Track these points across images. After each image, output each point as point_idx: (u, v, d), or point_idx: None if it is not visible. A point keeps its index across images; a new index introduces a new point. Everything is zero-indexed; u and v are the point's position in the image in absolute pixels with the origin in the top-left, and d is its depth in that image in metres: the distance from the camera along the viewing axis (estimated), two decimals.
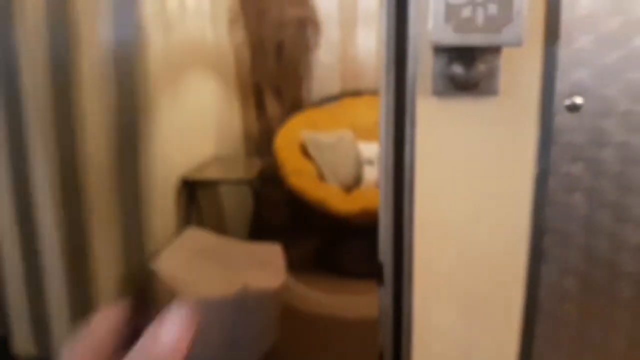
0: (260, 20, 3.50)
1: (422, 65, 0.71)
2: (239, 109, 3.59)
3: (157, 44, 2.41)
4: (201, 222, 2.87)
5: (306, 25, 3.65)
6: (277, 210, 3.67)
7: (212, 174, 2.82)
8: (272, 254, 2.43)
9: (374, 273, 3.16)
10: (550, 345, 0.71)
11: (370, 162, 3.30)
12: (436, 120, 0.75)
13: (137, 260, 2.25)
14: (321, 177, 3.26)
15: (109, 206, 2.05)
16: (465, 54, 0.69)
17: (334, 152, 3.29)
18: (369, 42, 3.67)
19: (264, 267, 2.32)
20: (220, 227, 3.29)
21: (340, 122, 3.61)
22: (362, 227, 3.17)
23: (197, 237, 2.48)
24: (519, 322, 0.73)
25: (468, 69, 0.70)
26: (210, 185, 2.91)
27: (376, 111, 3.55)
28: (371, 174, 3.28)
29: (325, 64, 3.72)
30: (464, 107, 0.74)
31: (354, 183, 3.29)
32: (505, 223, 0.76)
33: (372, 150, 3.35)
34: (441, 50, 0.70)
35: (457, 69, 0.70)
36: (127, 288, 2.21)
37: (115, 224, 2.08)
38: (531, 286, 0.75)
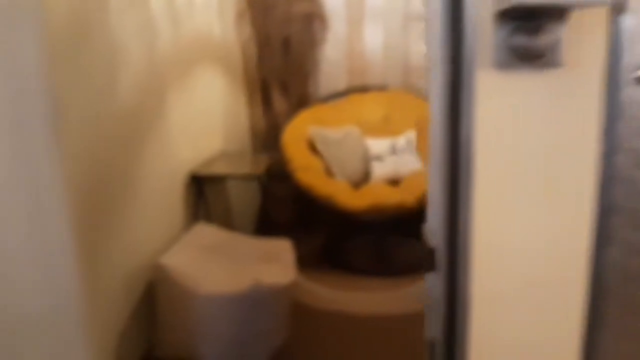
0: (266, 15, 3.46)
1: (482, 36, 0.66)
2: (246, 105, 3.55)
3: (166, 38, 2.37)
4: (209, 217, 2.83)
5: (313, 21, 3.61)
6: (283, 205, 3.62)
7: (219, 169, 2.77)
8: (281, 249, 2.39)
9: (381, 269, 3.12)
10: (616, 332, 0.67)
11: (378, 158, 3.26)
12: (496, 94, 0.70)
13: (146, 255, 2.21)
14: (329, 173, 3.22)
15: (117, 200, 2.00)
16: (529, 23, 0.65)
17: (341, 148, 3.25)
18: (376, 38, 3.64)
19: (273, 262, 2.28)
20: (227, 222, 3.24)
21: (346, 118, 3.57)
22: (370, 223, 3.13)
23: (206, 232, 2.43)
24: (583, 307, 0.70)
25: (532, 39, 0.65)
26: (217, 180, 2.87)
27: (383, 107, 3.49)
28: (380, 170, 3.24)
29: (332, 60, 3.68)
30: (526, 80, 0.70)
31: (362, 179, 3.25)
32: (569, 202, 0.72)
33: (379, 146, 3.31)
34: (503, 20, 0.66)
35: (521, 40, 0.66)
36: (136, 283, 2.16)
37: (123, 219, 2.03)
38: (597, 269, 0.71)
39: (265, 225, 3.64)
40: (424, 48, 3.25)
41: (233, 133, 3.31)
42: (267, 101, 3.60)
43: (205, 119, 2.90)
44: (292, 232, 3.57)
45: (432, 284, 0.62)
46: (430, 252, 0.64)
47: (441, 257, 0.60)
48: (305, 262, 3.26)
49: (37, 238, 1.25)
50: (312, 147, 3.31)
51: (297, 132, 3.37)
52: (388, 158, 3.25)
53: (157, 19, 2.32)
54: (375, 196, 2.92)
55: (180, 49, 2.54)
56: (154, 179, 2.30)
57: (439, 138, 0.63)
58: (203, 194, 2.76)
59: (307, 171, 3.08)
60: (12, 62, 0.97)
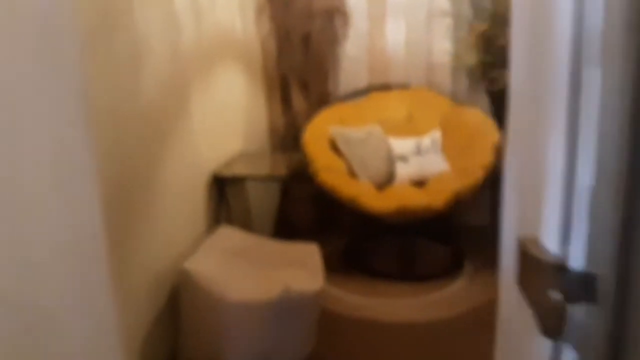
0: (287, 10, 3.37)
1: None
2: (265, 103, 3.46)
3: (189, 34, 2.28)
4: (230, 219, 2.74)
5: (334, 17, 3.52)
6: (304, 206, 3.54)
7: (241, 169, 2.68)
8: (308, 253, 2.30)
9: (406, 274, 3.03)
10: None
11: (402, 159, 3.16)
12: None
13: (170, 258, 2.12)
14: (351, 173, 3.12)
15: (140, 202, 1.92)
16: None
17: (364, 148, 3.16)
18: (398, 34, 3.54)
19: (301, 267, 2.19)
20: (247, 223, 3.16)
21: (368, 117, 3.48)
22: (394, 226, 3.03)
23: (230, 235, 2.35)
24: None
25: None
26: (239, 181, 2.78)
27: (406, 106, 3.39)
28: (404, 170, 3.14)
29: (353, 57, 3.58)
30: None
31: (386, 180, 3.16)
32: None
33: (403, 146, 3.22)
34: None
35: None
36: (161, 287, 2.08)
37: (147, 221, 1.95)
38: None
39: (285, 226, 3.56)
40: (447, 45, 3.13)
41: (252, 132, 3.23)
42: (286, 99, 3.51)
43: (227, 118, 2.82)
44: (312, 233, 3.49)
45: (588, 318, 0.52)
46: (587, 278, 0.53)
47: (607, 287, 0.50)
48: (327, 265, 3.17)
49: (69, 237, 1.17)
50: (334, 147, 3.22)
51: (318, 131, 3.28)
52: (413, 158, 3.15)
53: (180, 14, 2.24)
54: (401, 198, 2.82)
55: (203, 45, 2.46)
56: (178, 179, 2.22)
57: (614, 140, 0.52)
58: (224, 195, 2.68)
59: (329, 172, 2.98)
60: (54, 66, 0.89)
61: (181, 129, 2.26)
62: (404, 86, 3.60)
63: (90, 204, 1.18)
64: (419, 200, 2.80)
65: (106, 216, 1.71)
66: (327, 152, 3.16)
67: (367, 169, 3.11)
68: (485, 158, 3.00)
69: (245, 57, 3.06)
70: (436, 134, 3.26)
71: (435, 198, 2.80)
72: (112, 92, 1.74)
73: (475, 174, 2.94)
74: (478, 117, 3.25)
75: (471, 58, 3.04)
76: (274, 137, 3.51)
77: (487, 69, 3.18)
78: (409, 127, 3.47)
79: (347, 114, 3.47)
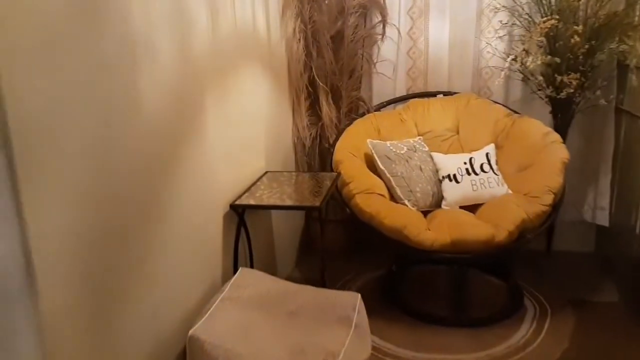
0: (316, 5, 2.91)
1: None
2: (290, 113, 3.00)
3: (202, 33, 1.84)
4: (250, 252, 2.29)
5: (370, 12, 3.06)
6: (333, 229, 3.07)
7: (263, 197, 2.20)
8: (349, 306, 1.83)
9: (459, 318, 2.50)
10: None
11: (451, 179, 2.68)
12: None
13: (178, 316, 1.67)
14: (391, 195, 2.65)
15: (139, 248, 1.48)
16: None
17: (407, 166, 2.69)
18: (442, 33, 3.06)
19: (342, 326, 1.71)
20: (269, 255, 2.70)
21: (408, 130, 3.01)
22: (446, 259, 2.53)
23: (251, 281, 1.89)
24: None
25: None
26: (261, 210, 2.32)
27: (452, 116, 2.90)
28: (453, 193, 2.67)
29: (390, 59, 3.12)
30: None
31: (432, 204, 2.68)
32: None
33: (452, 163, 2.74)
34: None
35: None
36: (164, 357, 1.62)
37: (151, 271, 1.51)
38: None
39: (311, 252, 3.10)
40: (500, 45, 2.64)
41: (276, 148, 2.77)
42: (314, 108, 3.05)
43: (248, 132, 2.37)
44: (342, 261, 3.02)
45: None
46: None
47: None
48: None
49: None
50: (370, 164, 2.75)
51: (352, 146, 2.82)
52: (463, 178, 2.67)
53: (192, 8, 1.79)
54: (456, 229, 2.34)
55: (220, 45, 2.01)
56: (188, 216, 1.77)
57: None
58: (244, 226, 2.22)
59: (368, 196, 2.51)
60: None
61: (193, 150, 1.81)
62: (448, 93, 3.12)
63: None
64: (479, 232, 2.32)
65: (89, 278, 1.27)
66: (363, 170, 2.70)
67: (411, 191, 2.63)
68: (553, 179, 2.51)
69: (268, 60, 2.61)
70: (490, 149, 2.77)
71: (499, 229, 2.32)
72: (94, 109, 1.30)
73: (543, 199, 2.45)
74: (540, 129, 2.76)
75: (534, 60, 2.55)
76: (300, 152, 3.05)
77: (553, 72, 2.69)
78: (456, 141, 2.99)
79: (383, 125, 3.00)
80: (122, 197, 1.41)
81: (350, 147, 2.80)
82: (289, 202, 2.11)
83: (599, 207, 3.06)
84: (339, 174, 2.56)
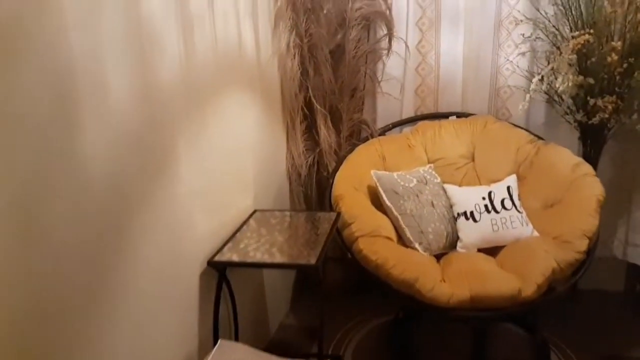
0: (313, 17, 2.56)
1: None
2: (284, 138, 2.65)
3: (172, 54, 1.49)
4: (234, 308, 1.95)
5: (374, 25, 2.71)
6: (333, 266, 2.71)
7: (250, 249, 1.83)
8: None
9: None
10: None
11: (467, 216, 2.34)
12: None
13: None
14: (399, 236, 2.31)
15: (86, 326, 1.15)
16: None
17: (417, 201, 2.34)
18: (456, 47, 2.72)
19: None
20: (259, 303, 2.35)
21: (417, 156, 2.66)
22: (464, 318, 2.18)
23: (234, 358, 1.54)
24: None
25: None
26: (244, 266, 1.94)
27: (466, 141, 2.54)
28: (470, 233, 2.32)
29: (397, 77, 2.77)
30: None
31: (447, 245, 2.34)
32: None
33: (468, 197, 2.39)
34: None
35: None
36: None
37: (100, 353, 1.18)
38: None
39: (307, 292, 2.74)
40: (522, 61, 2.28)
41: (268, 180, 2.42)
42: (311, 133, 2.70)
43: (233, 166, 2.02)
44: (344, 304, 2.65)
45: None
46: None
47: None
48: (365, 356, 2.35)
49: None
50: (375, 198, 2.40)
51: (354, 177, 2.47)
52: (482, 217, 2.32)
53: (157, 30, 1.44)
54: (477, 281, 1.99)
55: (196, 71, 1.66)
56: (155, 278, 1.42)
57: None
58: (227, 283, 1.88)
59: (373, 240, 2.17)
60: None
61: (158, 202, 1.46)
62: (462, 114, 2.78)
63: None
64: (503, 286, 1.97)
65: None
66: (366, 208, 2.35)
67: (422, 232, 2.28)
68: (587, 221, 2.16)
69: (258, 80, 2.26)
70: (512, 182, 2.43)
71: (526, 282, 1.97)
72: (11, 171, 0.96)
73: (577, 244, 2.10)
74: (569, 159, 2.41)
75: (564, 81, 2.20)
76: (295, 182, 2.70)
77: (586, 95, 2.35)
78: (471, 170, 2.64)
79: (389, 151, 2.66)
80: (62, 275, 1.07)
81: (352, 179, 2.45)
82: (279, 258, 1.75)
83: (631, 244, 2.72)
84: (338, 214, 2.20)
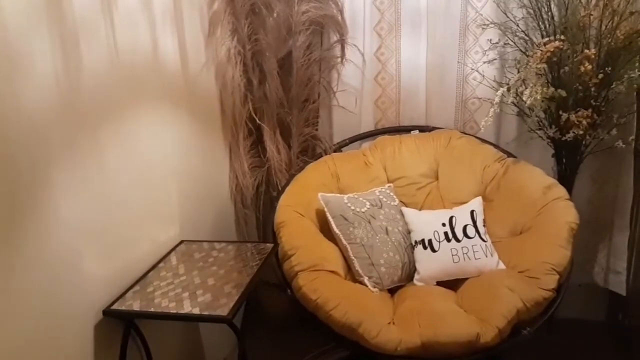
0: (257, 21, 2.30)
1: None
2: (226, 156, 2.39)
3: (45, 80, 1.23)
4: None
5: (327, 29, 2.45)
6: (278, 300, 2.44)
7: (155, 292, 1.57)
8: None
9: None
10: None
11: (425, 244, 2.08)
12: None
13: None
14: (348, 267, 2.05)
15: None
16: None
17: (369, 228, 2.08)
18: (418, 55, 2.46)
19: None
20: (189, 352, 2.08)
21: (375, 175, 2.40)
22: None
23: None
24: None
25: None
26: (143, 317, 1.65)
27: (429, 159, 2.20)
28: (429, 264, 2.06)
29: (352, 87, 2.51)
30: None
31: (404, 276, 2.08)
32: None
33: (427, 223, 2.13)
34: None
35: None
36: None
37: None
38: None
39: (253, 324, 2.45)
40: (490, 70, 2.00)
41: (201, 206, 2.15)
42: (256, 149, 2.44)
43: (146, 194, 1.75)
44: (288, 336, 2.35)
45: None
46: None
47: None
48: None
49: None
50: (326, 224, 2.14)
51: (300, 200, 2.21)
52: (441, 246, 2.06)
53: (18, 43, 1.18)
54: (430, 325, 1.73)
55: (82, 85, 1.39)
56: (23, 334, 1.15)
57: None
58: (137, 332, 1.61)
59: (314, 276, 1.90)
60: None
61: (31, 244, 1.19)
62: (426, 128, 2.52)
63: None
64: (459, 331, 1.70)
65: None
66: (311, 237, 2.09)
67: (373, 264, 2.02)
68: (557, 253, 1.91)
69: (185, 93, 2.00)
70: (476, 205, 2.17)
71: (486, 326, 1.71)
72: None
73: (545, 281, 1.84)
74: (540, 180, 2.16)
75: (532, 94, 1.94)
76: (240, 204, 2.44)
77: (558, 109, 2.09)
78: (435, 190, 2.38)
79: (344, 170, 2.39)
80: None
81: (298, 203, 2.18)
82: (188, 307, 1.48)
83: (612, 271, 2.46)
84: (274, 247, 1.94)
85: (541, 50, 1.94)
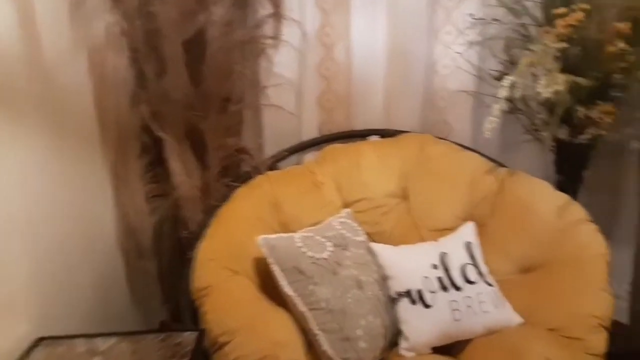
0: None
1: None
2: (109, 187, 1.60)
3: None
4: None
5: (250, 6, 1.75)
6: None
7: None
8: None
9: None
10: None
11: (415, 297, 1.47)
12: None
13: None
14: (310, 343, 1.38)
15: None
16: None
17: (336, 283, 1.43)
18: (375, 37, 1.85)
19: None
20: None
21: (328, 199, 1.75)
22: None
23: None
24: None
25: None
26: None
27: (396, 172, 1.63)
28: (421, 324, 1.46)
29: (289, 81, 1.85)
30: None
31: (387, 345, 1.46)
32: None
33: (408, 265, 1.53)
34: None
35: None
36: None
37: None
38: None
39: None
40: (471, 54, 1.52)
41: (69, 279, 1.36)
42: (155, 175, 1.69)
43: None
44: None
45: None
46: None
47: None
48: None
49: None
50: (269, 280, 1.45)
51: (230, 247, 1.51)
52: (437, 298, 1.47)
53: None
54: None
55: None
56: None
57: None
58: None
59: None
60: None
61: None
62: (387, 132, 1.92)
63: None
64: None
65: None
66: (252, 305, 1.39)
67: (348, 339, 1.37)
68: (598, 299, 1.40)
69: (23, 96, 1.21)
70: (469, 234, 1.61)
71: None
72: None
73: (591, 341, 1.32)
74: (551, 197, 1.64)
75: (548, 83, 1.41)
76: (134, 256, 1.67)
77: (574, 103, 1.58)
78: (404, 214, 1.79)
79: (286, 194, 1.72)
80: None
81: (227, 253, 1.48)
82: None
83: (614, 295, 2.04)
84: (200, 334, 1.22)
85: (561, 25, 1.40)
